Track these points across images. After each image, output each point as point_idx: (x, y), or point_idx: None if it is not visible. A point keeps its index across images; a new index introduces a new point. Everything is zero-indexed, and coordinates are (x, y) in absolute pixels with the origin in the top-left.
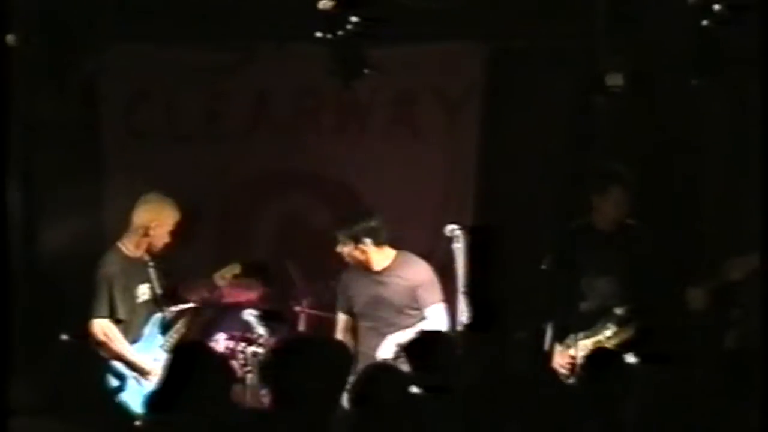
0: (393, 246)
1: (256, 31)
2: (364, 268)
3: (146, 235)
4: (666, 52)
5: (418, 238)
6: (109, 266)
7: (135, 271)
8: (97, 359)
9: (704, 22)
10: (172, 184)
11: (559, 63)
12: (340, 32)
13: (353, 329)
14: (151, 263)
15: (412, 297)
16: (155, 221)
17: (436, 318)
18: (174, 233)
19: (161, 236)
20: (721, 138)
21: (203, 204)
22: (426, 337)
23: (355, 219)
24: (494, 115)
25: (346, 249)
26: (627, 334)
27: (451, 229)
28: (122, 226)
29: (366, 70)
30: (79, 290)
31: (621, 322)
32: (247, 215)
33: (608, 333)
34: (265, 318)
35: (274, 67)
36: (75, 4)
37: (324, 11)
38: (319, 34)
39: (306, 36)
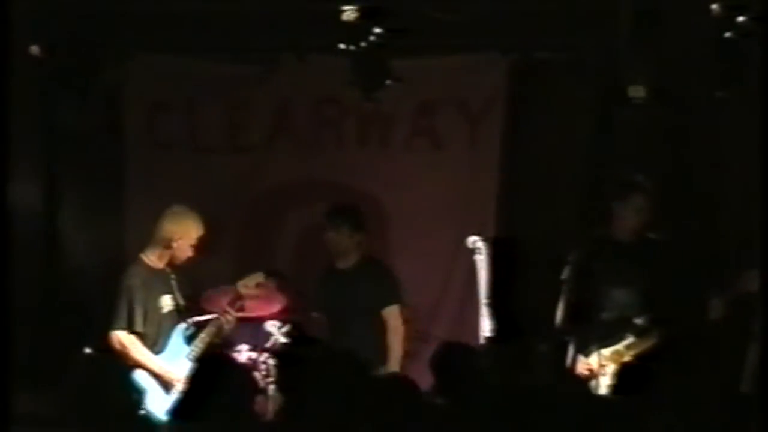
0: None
1: (278, 43)
2: None
3: (169, 247)
4: (689, 64)
5: (440, 249)
6: (131, 278)
7: (158, 282)
8: (117, 372)
9: (727, 34)
10: (193, 194)
11: (581, 74)
12: (362, 43)
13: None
14: (172, 275)
15: None
16: (179, 234)
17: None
18: (197, 247)
19: (184, 249)
20: (743, 150)
21: (224, 215)
22: (448, 348)
23: None
24: (516, 126)
25: None
26: (646, 344)
27: (473, 240)
28: (145, 236)
29: (388, 82)
30: (100, 302)
31: (640, 333)
32: (268, 226)
33: (627, 343)
34: (286, 329)
35: (297, 78)
36: (98, 16)
37: (347, 22)
38: (341, 46)
39: (328, 47)
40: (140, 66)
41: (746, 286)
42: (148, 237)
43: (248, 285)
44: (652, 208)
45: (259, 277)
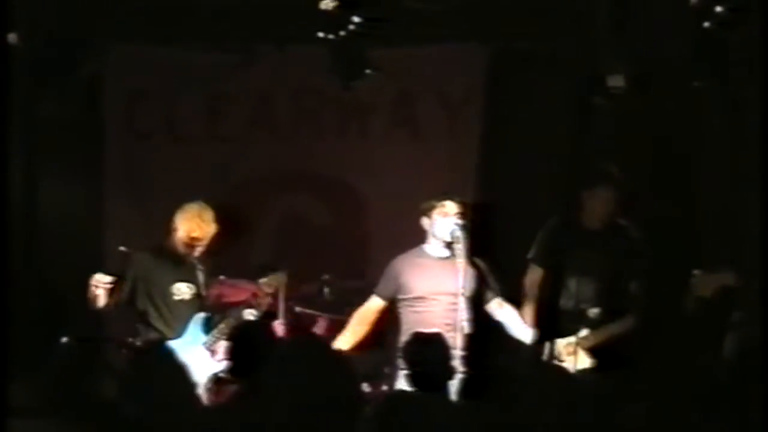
0: None
1: (257, 32)
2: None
3: (186, 243)
4: (667, 54)
5: (419, 238)
6: (144, 257)
7: (176, 268)
8: (95, 361)
9: (705, 24)
10: (172, 184)
11: (560, 64)
12: (341, 33)
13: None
14: (199, 264)
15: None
16: (194, 232)
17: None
18: (188, 245)
19: (200, 244)
20: (721, 140)
21: (204, 203)
22: (422, 337)
23: None
24: (495, 116)
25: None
26: (600, 337)
27: (452, 230)
28: (123, 225)
29: (367, 71)
30: (79, 291)
31: (594, 326)
32: (247, 216)
33: (582, 335)
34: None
35: (275, 67)
36: (78, 5)
37: (325, 12)
38: (320, 35)
39: (307, 36)
40: (119, 56)
41: (721, 282)
42: (126, 225)
43: (271, 284)
44: (619, 200)
45: (281, 277)
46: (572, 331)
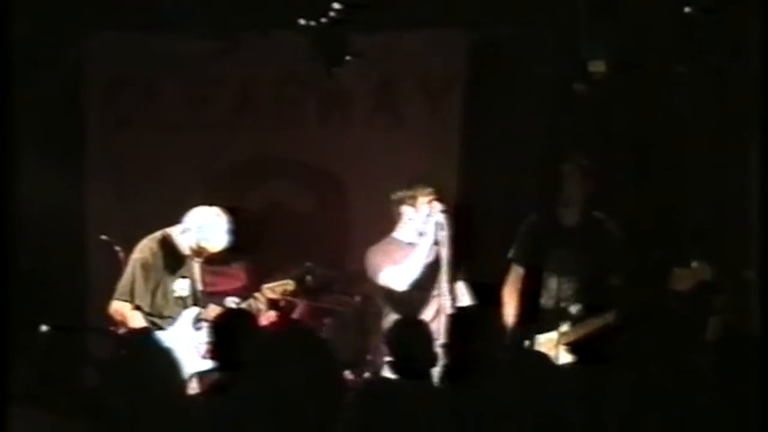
0: None
1: (239, 19)
2: None
3: (197, 251)
4: (648, 39)
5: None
6: (142, 252)
7: (175, 262)
8: (74, 349)
9: (686, 9)
10: (154, 171)
11: (542, 51)
12: (322, 19)
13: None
14: (196, 261)
15: None
16: (203, 240)
17: None
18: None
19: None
20: (702, 126)
21: (185, 191)
22: (405, 324)
23: None
24: (476, 102)
25: None
26: (579, 333)
27: (436, 217)
28: (105, 213)
29: (348, 58)
30: (59, 279)
31: (574, 321)
32: (229, 202)
33: (562, 331)
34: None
35: (257, 54)
36: None
37: None
38: (302, 22)
39: (289, 23)
40: (101, 42)
41: (698, 276)
42: (108, 213)
43: (276, 290)
44: (597, 191)
45: (288, 285)
46: (553, 329)
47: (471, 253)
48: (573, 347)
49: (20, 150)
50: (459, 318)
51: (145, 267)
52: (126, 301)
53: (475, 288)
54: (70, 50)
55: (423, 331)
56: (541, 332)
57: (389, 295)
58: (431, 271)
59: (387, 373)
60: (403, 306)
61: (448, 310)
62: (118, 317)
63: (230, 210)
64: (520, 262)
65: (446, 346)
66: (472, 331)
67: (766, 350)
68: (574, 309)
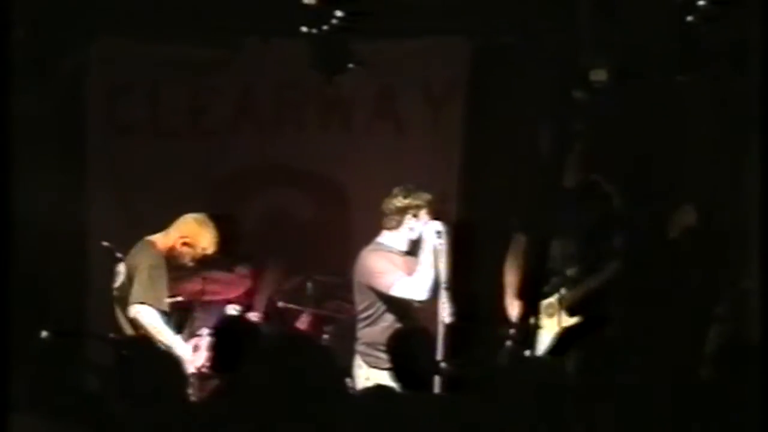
0: None
1: (240, 27)
2: None
3: (194, 256)
4: (650, 48)
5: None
6: (152, 259)
7: (172, 269)
8: (74, 356)
9: (689, 18)
10: (155, 178)
11: (543, 59)
12: (324, 27)
13: None
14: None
15: None
16: (189, 240)
17: None
18: (199, 259)
19: (187, 254)
20: (704, 133)
21: (186, 198)
22: (405, 332)
23: None
24: (478, 110)
25: None
26: (578, 294)
27: (435, 226)
28: (106, 220)
29: (350, 65)
30: (60, 286)
31: (570, 285)
32: (230, 210)
33: (559, 296)
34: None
35: (259, 62)
36: None
37: (308, 6)
38: (303, 29)
39: (290, 31)
40: (102, 50)
41: (685, 221)
42: (109, 220)
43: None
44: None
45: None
46: (555, 292)
47: (471, 261)
48: (572, 309)
49: (21, 156)
50: (458, 327)
51: (158, 271)
52: (151, 305)
53: (474, 296)
54: (72, 57)
55: (424, 339)
56: (543, 298)
57: (389, 302)
58: None
59: (388, 381)
60: (403, 313)
61: (447, 319)
62: (145, 321)
63: (231, 217)
64: (522, 231)
65: (446, 355)
66: (471, 339)
67: (766, 359)
68: (571, 271)
